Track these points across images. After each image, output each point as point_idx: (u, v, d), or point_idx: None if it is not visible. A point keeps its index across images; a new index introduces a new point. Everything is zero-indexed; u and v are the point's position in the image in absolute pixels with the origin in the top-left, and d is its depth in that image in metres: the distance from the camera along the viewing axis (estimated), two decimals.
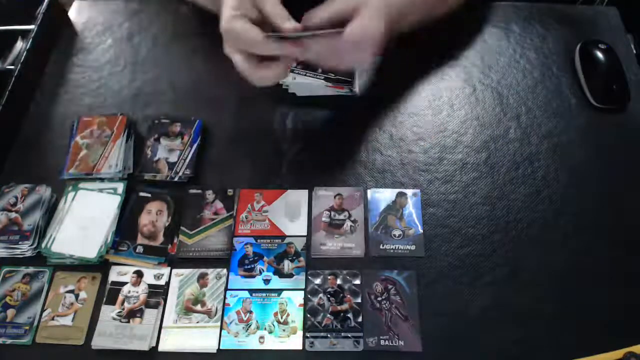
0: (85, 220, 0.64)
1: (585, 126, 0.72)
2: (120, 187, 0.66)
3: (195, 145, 0.69)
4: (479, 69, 0.77)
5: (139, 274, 0.62)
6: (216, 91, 0.75)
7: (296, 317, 0.59)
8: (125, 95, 0.75)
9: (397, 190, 0.67)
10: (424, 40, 0.73)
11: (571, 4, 0.87)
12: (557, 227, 0.64)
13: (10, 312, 0.59)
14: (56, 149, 0.71)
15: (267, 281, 0.61)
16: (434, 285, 0.61)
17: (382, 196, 0.67)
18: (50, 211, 0.65)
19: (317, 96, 0.72)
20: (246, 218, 0.65)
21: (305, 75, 0.71)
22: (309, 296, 0.60)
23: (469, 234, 0.64)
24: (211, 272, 0.62)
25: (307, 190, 0.67)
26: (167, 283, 0.61)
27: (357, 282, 0.61)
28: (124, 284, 0.61)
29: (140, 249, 0.63)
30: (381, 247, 0.63)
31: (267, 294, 0.60)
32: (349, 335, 0.58)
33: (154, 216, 0.65)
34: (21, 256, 0.62)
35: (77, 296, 0.60)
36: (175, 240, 0.64)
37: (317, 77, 0.71)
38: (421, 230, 0.64)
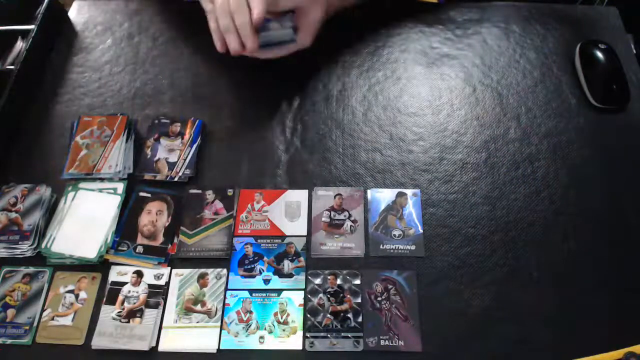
0: (85, 220, 0.64)
1: (585, 126, 0.72)
2: (120, 187, 0.66)
3: (195, 145, 0.69)
4: (479, 69, 0.77)
5: (139, 274, 0.62)
6: (216, 91, 0.75)
7: (296, 317, 0.59)
8: (125, 95, 0.75)
9: (397, 190, 0.67)
10: (424, 40, 0.73)
11: (571, 4, 0.87)
12: (557, 227, 0.64)
13: (10, 312, 0.59)
14: (56, 149, 0.71)
15: (267, 281, 0.61)
16: (434, 285, 0.61)
17: (382, 196, 0.67)
18: (50, 211, 0.65)
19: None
20: (246, 218, 0.65)
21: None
22: (309, 296, 0.60)
23: (469, 234, 0.64)
24: (211, 272, 0.62)
25: (307, 190, 0.67)
26: (167, 283, 0.61)
27: (357, 282, 0.61)
28: (123, 284, 0.61)
29: (140, 249, 0.63)
30: (381, 247, 0.63)
31: (267, 294, 0.60)
32: (349, 335, 0.58)
33: (154, 216, 0.65)
34: (21, 256, 0.62)
35: (77, 296, 0.60)
36: (175, 240, 0.64)
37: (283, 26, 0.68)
38: (421, 230, 0.64)
